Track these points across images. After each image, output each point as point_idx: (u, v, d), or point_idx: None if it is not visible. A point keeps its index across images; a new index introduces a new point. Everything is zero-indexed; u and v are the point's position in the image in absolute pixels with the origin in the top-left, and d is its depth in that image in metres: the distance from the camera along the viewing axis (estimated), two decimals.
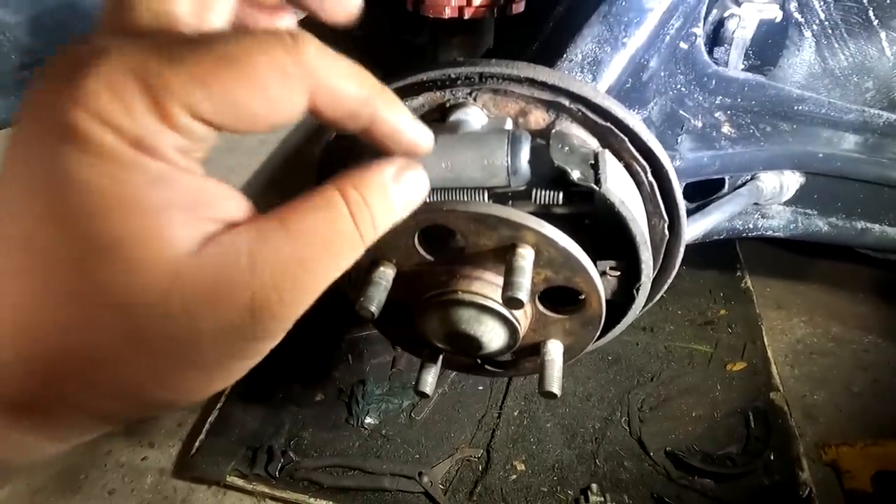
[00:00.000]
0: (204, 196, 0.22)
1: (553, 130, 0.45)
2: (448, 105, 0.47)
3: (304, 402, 0.98)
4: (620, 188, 0.44)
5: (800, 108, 0.64)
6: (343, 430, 0.93)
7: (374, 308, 0.40)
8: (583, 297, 0.45)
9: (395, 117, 0.26)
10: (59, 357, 0.22)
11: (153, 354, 0.23)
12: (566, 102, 0.46)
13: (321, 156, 0.51)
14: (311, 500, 0.85)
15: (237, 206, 0.24)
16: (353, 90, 0.24)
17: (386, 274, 0.43)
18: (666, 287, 0.55)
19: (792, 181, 0.69)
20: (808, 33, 0.63)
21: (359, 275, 0.43)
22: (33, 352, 0.22)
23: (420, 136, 0.28)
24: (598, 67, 0.52)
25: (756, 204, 0.73)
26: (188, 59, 0.20)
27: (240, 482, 0.87)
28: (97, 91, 0.19)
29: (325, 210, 0.24)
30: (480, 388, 0.99)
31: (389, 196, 0.27)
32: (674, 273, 0.54)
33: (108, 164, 0.20)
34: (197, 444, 0.92)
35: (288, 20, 0.29)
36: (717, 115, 0.62)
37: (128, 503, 0.88)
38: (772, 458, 0.86)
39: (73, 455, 0.92)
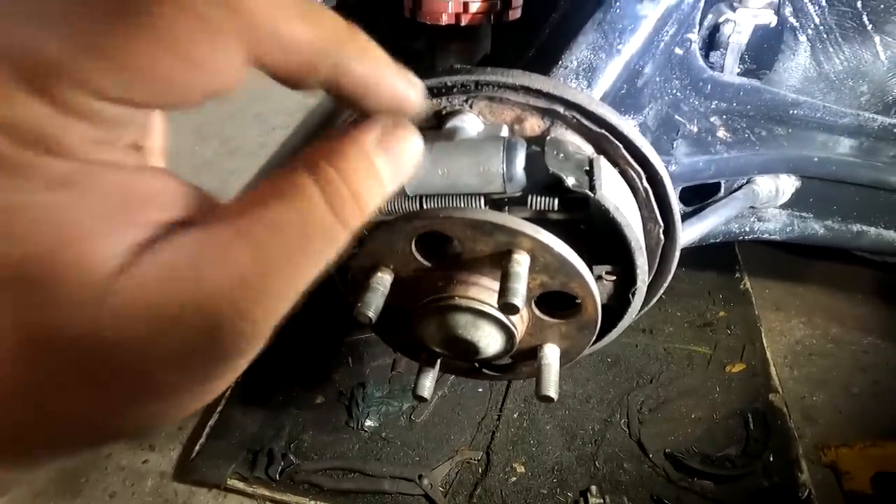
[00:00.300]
0: (133, 194, 0.18)
1: (548, 137, 0.45)
2: (444, 112, 0.47)
3: (304, 405, 0.98)
4: (615, 194, 0.44)
5: (795, 112, 0.64)
6: (343, 432, 0.94)
7: (372, 313, 0.41)
8: (579, 301, 0.45)
9: (370, 66, 0.20)
10: (7, 389, 0.18)
11: (103, 388, 0.18)
12: (561, 110, 0.46)
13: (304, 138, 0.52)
14: (312, 502, 0.85)
15: (185, 201, 0.19)
16: (306, 34, 0.19)
17: (384, 279, 0.43)
18: (662, 290, 0.56)
19: (787, 185, 0.70)
20: (803, 38, 0.63)
21: (357, 280, 0.43)
22: None
23: (404, 86, 0.22)
24: (593, 74, 0.52)
25: (752, 207, 0.73)
26: (75, 25, 0.15)
27: (240, 485, 0.88)
28: None
29: (293, 199, 0.19)
30: (480, 390, 1.00)
31: (374, 167, 0.21)
32: (670, 277, 0.54)
33: (4, 176, 0.16)
34: (197, 447, 0.93)
35: None
36: (712, 119, 0.62)
37: None
38: (771, 459, 0.87)
39: (74, 458, 0.93)
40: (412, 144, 0.22)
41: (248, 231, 0.18)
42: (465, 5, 0.57)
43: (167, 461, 0.94)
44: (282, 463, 0.89)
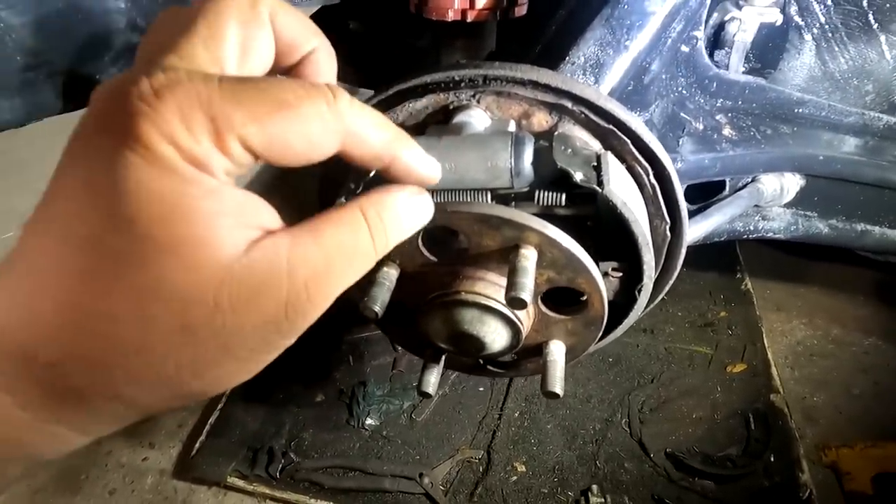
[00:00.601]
0: (247, 207, 0.26)
1: (556, 132, 0.45)
2: (452, 107, 0.47)
3: (304, 403, 0.98)
4: (623, 190, 0.44)
5: (800, 110, 0.64)
6: (344, 431, 0.94)
7: (378, 308, 0.40)
8: (585, 297, 0.45)
9: (412, 158, 0.31)
10: (109, 350, 0.24)
11: (198, 345, 0.25)
12: (569, 105, 0.46)
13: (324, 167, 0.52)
14: (312, 500, 0.85)
15: (270, 215, 0.27)
16: (378, 138, 0.29)
17: (390, 274, 0.43)
18: (667, 288, 0.56)
19: (792, 183, 0.70)
20: (808, 37, 0.63)
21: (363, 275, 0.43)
22: (83, 347, 0.24)
23: (430, 171, 0.33)
24: (600, 70, 0.52)
25: (756, 206, 0.73)
26: (248, 100, 0.24)
27: (240, 483, 0.87)
28: (170, 116, 0.23)
29: (351, 227, 0.28)
30: (481, 389, 0.99)
31: (401, 217, 0.31)
32: (675, 274, 0.54)
33: (170, 176, 0.23)
34: (197, 444, 0.92)
35: (326, 72, 0.33)
36: (717, 117, 0.62)
37: (128, 503, 0.88)
38: (772, 459, 0.87)
39: (74, 455, 0.92)
40: (427, 206, 0.33)
41: (321, 242, 0.27)
42: (472, 1, 0.57)
43: (167, 459, 0.93)
44: (282, 461, 0.88)
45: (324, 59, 0.33)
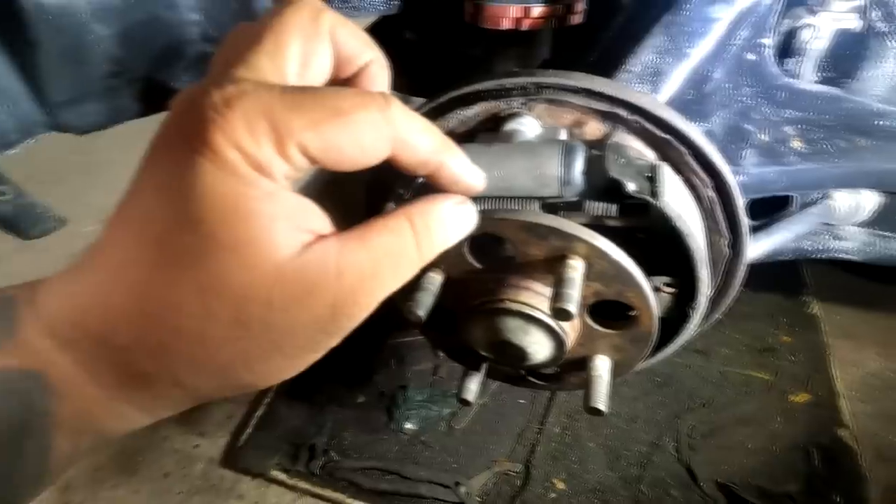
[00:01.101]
0: (302, 211, 0.27)
1: (609, 141, 0.44)
2: (502, 115, 0.47)
3: (346, 403, 1.00)
4: (678, 202, 0.42)
5: (880, 122, 0.60)
6: (383, 433, 0.94)
7: (422, 312, 0.41)
8: (634, 312, 0.44)
9: (457, 166, 0.32)
10: (173, 338, 0.26)
11: (251, 339, 0.27)
12: (624, 113, 0.45)
13: (371, 171, 0.53)
14: (350, 500, 0.86)
15: (322, 220, 0.28)
16: (426, 145, 0.30)
17: (434, 280, 0.43)
18: (724, 308, 0.53)
19: (870, 201, 0.64)
20: (892, 43, 0.59)
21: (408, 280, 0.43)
22: (151, 333, 0.26)
23: (475, 179, 0.33)
24: (658, 78, 0.50)
25: (827, 224, 0.68)
26: (306, 108, 0.26)
27: (282, 476, 0.90)
28: (236, 123, 0.24)
29: (397, 233, 0.29)
30: (522, 401, 0.98)
31: (446, 225, 0.32)
32: (734, 294, 0.51)
33: (234, 179, 0.25)
34: (244, 436, 0.96)
35: (380, 82, 0.35)
36: (785, 129, 0.58)
37: (180, 487, 0.92)
38: (838, 500, 0.80)
39: (133, 438, 0.98)
40: (472, 216, 0.34)
41: (369, 247, 0.28)
42: (527, 10, 0.56)
43: (216, 448, 0.97)
44: (322, 458, 0.90)
45: (378, 70, 0.34)
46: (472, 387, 0.50)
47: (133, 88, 0.53)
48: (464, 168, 0.32)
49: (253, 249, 0.25)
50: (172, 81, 0.54)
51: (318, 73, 0.31)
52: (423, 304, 0.41)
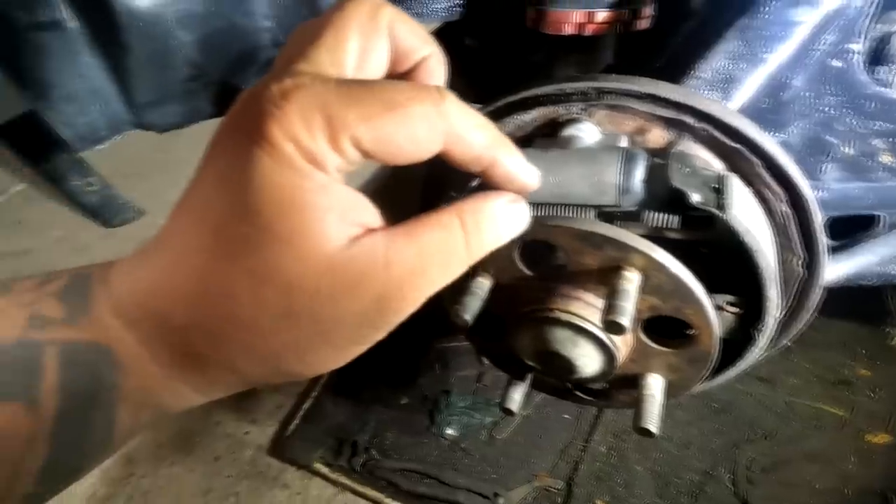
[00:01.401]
0: (352, 204, 0.27)
1: (673, 150, 0.42)
2: (561, 120, 0.46)
3: (390, 404, 1.01)
4: (747, 216, 0.40)
5: None
6: (424, 436, 0.95)
7: (469, 317, 0.40)
8: (692, 331, 0.41)
9: (511, 163, 0.31)
10: (227, 323, 0.27)
11: (300, 329, 0.27)
12: (691, 121, 0.43)
13: (427, 169, 0.53)
14: (388, 500, 0.87)
15: (373, 214, 0.28)
16: (480, 140, 0.29)
17: (483, 285, 0.43)
18: (795, 334, 0.49)
19: None
20: None
21: (456, 283, 0.43)
22: (207, 317, 0.27)
23: (529, 178, 0.32)
24: (730, 85, 0.48)
25: None
26: (361, 102, 0.26)
27: (325, 470, 0.92)
28: (293, 116, 0.25)
29: (446, 230, 0.29)
30: (567, 416, 0.95)
31: (497, 225, 0.31)
32: (806, 319, 0.47)
33: (289, 170, 0.25)
34: (291, 427, 0.99)
35: (437, 77, 0.34)
36: (874, 142, 0.53)
37: (230, 471, 0.97)
38: None
39: (189, 420, 1.04)
40: (524, 215, 0.33)
41: (417, 243, 0.28)
42: (591, 15, 0.55)
43: (264, 436, 1.01)
44: (364, 456, 0.92)
45: (435, 65, 0.34)
46: (516, 397, 0.49)
47: (209, 91, 0.56)
48: (518, 165, 0.31)
49: (304, 240, 0.26)
50: (245, 85, 0.57)
51: (376, 68, 0.31)
52: (471, 309, 0.41)
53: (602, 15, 0.56)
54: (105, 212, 0.54)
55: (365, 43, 0.30)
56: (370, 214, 0.28)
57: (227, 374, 0.30)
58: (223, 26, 0.53)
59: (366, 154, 0.26)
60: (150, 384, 0.29)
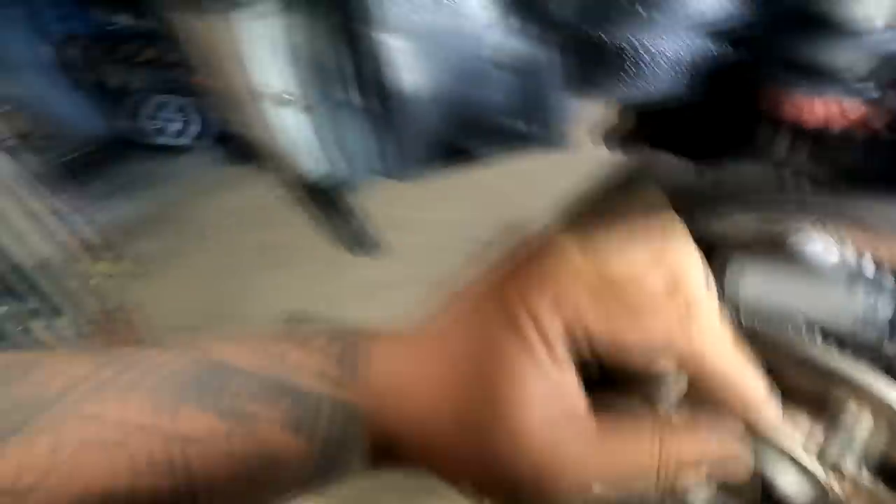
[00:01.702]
0: (563, 391, 0.28)
1: None
2: (789, 230, 0.44)
3: None
4: None
5: None
6: None
7: None
8: None
9: (768, 419, 0.30)
10: (447, 457, 0.29)
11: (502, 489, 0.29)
12: None
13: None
14: None
15: (578, 401, 0.29)
16: (749, 394, 0.29)
17: None
18: None
19: None
20: None
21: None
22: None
23: (771, 417, 0.30)
24: None
25: None
26: (606, 318, 0.27)
27: None
28: (543, 309, 0.27)
29: (639, 445, 0.28)
30: None
31: (699, 472, 0.29)
32: None
33: (529, 358, 0.27)
34: None
35: None
36: None
37: None
38: None
39: None
40: (743, 461, 0.30)
41: (607, 450, 0.28)
42: (842, 108, 0.51)
43: None
44: None
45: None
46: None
47: (443, 153, 0.67)
48: (773, 419, 0.30)
49: (521, 424, 0.27)
50: (475, 150, 0.67)
51: None
52: None
53: (856, 111, 0.51)
54: (356, 243, 0.68)
55: None
56: (575, 401, 0.29)
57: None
58: (462, 100, 0.63)
59: (592, 356, 0.28)
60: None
